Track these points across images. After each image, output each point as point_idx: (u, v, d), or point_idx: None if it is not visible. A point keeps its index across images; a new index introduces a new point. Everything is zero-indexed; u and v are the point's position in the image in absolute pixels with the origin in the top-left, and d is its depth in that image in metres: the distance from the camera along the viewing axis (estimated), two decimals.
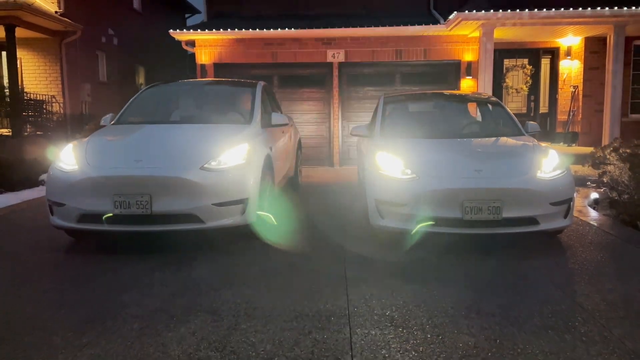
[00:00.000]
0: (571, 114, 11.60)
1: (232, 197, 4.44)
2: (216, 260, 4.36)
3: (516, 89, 11.94)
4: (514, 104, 12.12)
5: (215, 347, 2.80)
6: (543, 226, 4.37)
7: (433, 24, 10.76)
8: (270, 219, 4.84)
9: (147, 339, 2.91)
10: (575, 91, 11.56)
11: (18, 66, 11.39)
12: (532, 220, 4.35)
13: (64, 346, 2.83)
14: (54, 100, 12.18)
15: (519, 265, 4.17)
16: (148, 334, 2.96)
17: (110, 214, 4.29)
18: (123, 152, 4.72)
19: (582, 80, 11.43)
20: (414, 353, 2.71)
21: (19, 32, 11.02)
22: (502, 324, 3.04)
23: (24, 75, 12.16)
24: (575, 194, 4.64)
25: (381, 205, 4.60)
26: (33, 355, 2.74)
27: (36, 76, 12.37)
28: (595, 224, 5.48)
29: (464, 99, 6.88)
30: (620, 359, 2.62)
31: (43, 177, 8.38)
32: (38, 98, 11.84)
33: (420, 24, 10.73)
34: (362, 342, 2.84)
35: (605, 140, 9.93)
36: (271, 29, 10.79)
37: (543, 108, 12.24)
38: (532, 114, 12.08)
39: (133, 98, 6.07)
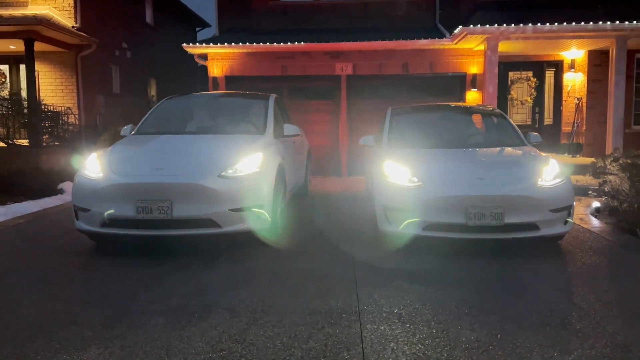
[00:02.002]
0: (575, 125, 11.80)
1: (248, 203, 4.69)
2: (232, 263, 4.60)
3: (521, 101, 12.17)
4: (519, 115, 12.34)
5: (235, 340, 3.02)
6: (543, 232, 4.59)
7: (439, 37, 11.03)
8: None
9: (171, 332, 3.15)
10: (579, 103, 11.77)
11: (36, 79, 11.76)
12: (533, 226, 4.56)
13: (96, 339, 3.07)
14: (69, 111, 12.53)
15: (520, 268, 4.37)
16: (172, 328, 3.20)
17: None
18: (145, 160, 5.00)
19: (585, 92, 11.64)
20: (420, 346, 2.93)
21: (37, 46, 11.40)
22: (503, 321, 3.25)
23: (41, 87, 12.52)
24: (574, 202, 4.84)
25: (389, 211, 4.84)
26: (68, 346, 2.98)
27: (53, 88, 12.75)
28: (596, 231, 5.67)
29: (469, 111, 7.12)
30: (612, 352, 2.82)
31: (61, 185, 8.69)
32: (55, 109, 12.20)
33: (426, 37, 11.00)
34: (372, 336, 3.06)
35: (609, 151, 10.09)
36: (281, 43, 11.11)
37: (547, 120, 12.45)
38: (536, 126, 12.28)
39: (152, 110, 6.37)
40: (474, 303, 3.56)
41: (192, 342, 3.00)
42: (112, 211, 4.56)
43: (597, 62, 11.53)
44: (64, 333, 3.15)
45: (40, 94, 12.37)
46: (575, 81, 11.99)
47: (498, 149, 5.70)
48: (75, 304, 3.66)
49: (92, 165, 4.90)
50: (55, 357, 2.84)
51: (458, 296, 3.70)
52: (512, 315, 3.34)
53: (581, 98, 11.73)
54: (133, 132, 5.95)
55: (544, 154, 5.35)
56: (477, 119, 6.93)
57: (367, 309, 3.48)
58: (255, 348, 2.92)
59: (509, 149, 5.61)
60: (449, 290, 3.82)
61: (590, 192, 7.13)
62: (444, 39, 10.95)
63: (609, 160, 6.45)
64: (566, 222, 4.71)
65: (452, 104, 8.21)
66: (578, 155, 11.47)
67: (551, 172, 4.81)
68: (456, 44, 10.99)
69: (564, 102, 12.20)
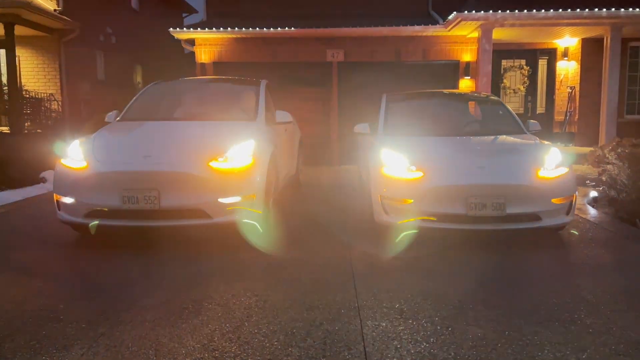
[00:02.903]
0: (568, 114, 11.71)
1: (239, 192, 4.48)
2: (224, 255, 4.40)
3: (514, 90, 12.05)
4: (512, 104, 12.21)
5: (229, 338, 2.84)
6: (545, 222, 4.45)
7: (432, 24, 10.84)
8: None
9: (161, 329, 2.95)
10: (572, 92, 11.67)
11: (17, 64, 11.36)
12: (535, 217, 4.43)
13: (80, 337, 2.87)
14: (52, 98, 12.16)
15: (523, 260, 4.24)
16: (162, 325, 3.01)
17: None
18: (131, 148, 4.75)
19: (579, 81, 11.55)
20: (425, 344, 2.77)
21: (18, 30, 11.00)
22: (509, 315, 3.10)
23: (22, 73, 12.12)
24: (577, 191, 4.71)
25: (386, 201, 4.66)
26: (48, 346, 2.77)
27: (35, 74, 12.34)
28: (595, 222, 5.56)
29: (466, 98, 6.96)
30: (627, 349, 2.69)
31: (44, 174, 8.40)
32: (37, 96, 11.82)
33: (419, 24, 10.80)
34: (374, 333, 2.90)
35: (602, 141, 10.04)
36: (271, 28, 10.84)
37: (540, 108, 12.34)
38: (529, 115, 12.17)
39: (137, 95, 6.10)
40: (477, 297, 3.41)
41: (182, 341, 2.82)
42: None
43: (591, 50, 11.42)
44: (45, 331, 2.95)
45: (22, 80, 11.98)
46: (568, 70, 11.89)
47: (498, 137, 5.54)
48: (58, 299, 3.45)
49: (75, 153, 4.64)
50: (34, 358, 2.64)
51: (460, 290, 3.55)
52: (518, 309, 3.20)
53: (574, 87, 11.64)
54: (118, 119, 5.68)
55: (545, 142, 5.22)
56: (474, 106, 6.77)
57: (367, 303, 3.32)
58: (250, 347, 2.74)
59: (509, 137, 5.45)
60: (451, 284, 3.67)
61: (587, 181, 7.03)
62: (437, 25, 10.76)
63: (608, 149, 6.34)
64: (568, 212, 4.57)
65: (449, 90, 8.04)
66: (570, 145, 11.41)
67: (553, 160, 4.67)
68: (449, 30, 10.80)
69: (556, 90, 12.09)
